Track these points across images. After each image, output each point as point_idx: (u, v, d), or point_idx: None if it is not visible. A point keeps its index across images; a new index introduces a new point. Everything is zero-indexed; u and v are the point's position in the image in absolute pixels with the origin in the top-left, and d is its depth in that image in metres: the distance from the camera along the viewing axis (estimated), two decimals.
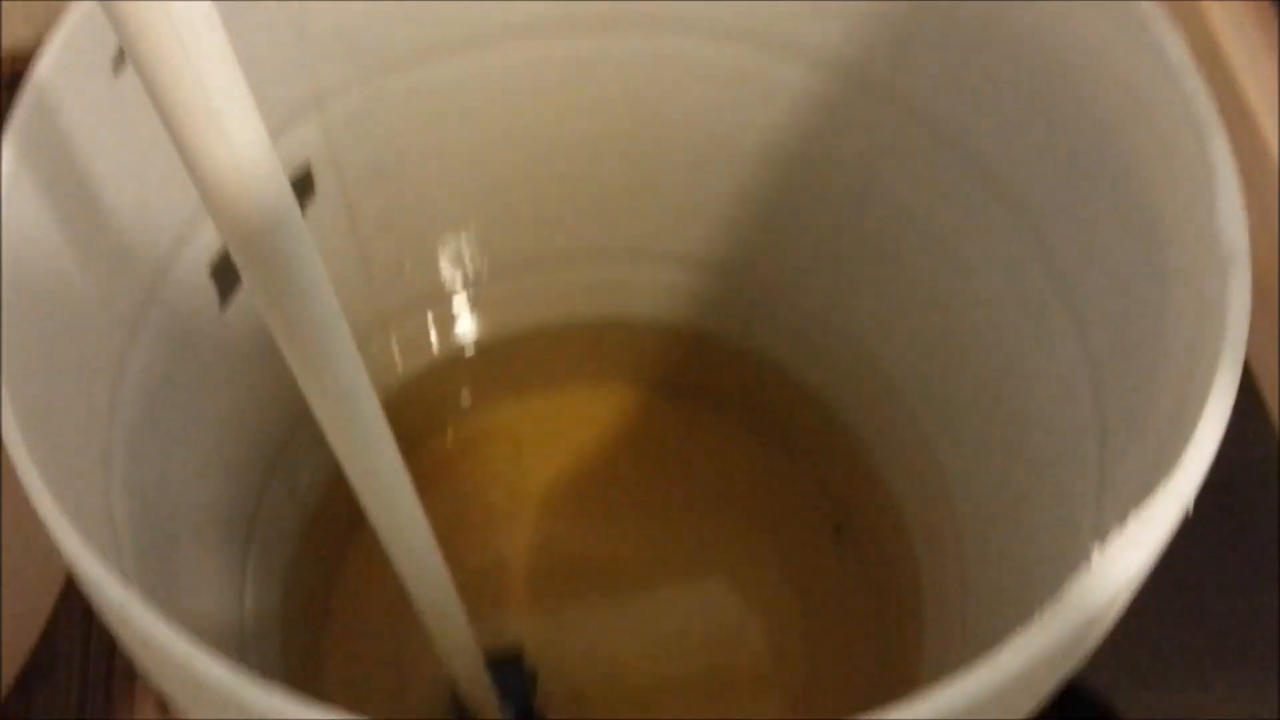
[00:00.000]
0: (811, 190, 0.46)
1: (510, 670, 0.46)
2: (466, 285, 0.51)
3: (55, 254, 0.30)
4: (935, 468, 0.46)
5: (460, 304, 0.51)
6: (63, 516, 0.23)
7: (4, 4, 0.52)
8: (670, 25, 0.43)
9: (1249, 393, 0.33)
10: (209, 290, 0.38)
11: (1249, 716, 0.47)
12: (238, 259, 0.23)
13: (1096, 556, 0.23)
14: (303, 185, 0.42)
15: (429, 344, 0.52)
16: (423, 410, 0.53)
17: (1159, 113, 0.30)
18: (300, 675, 0.46)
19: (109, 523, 0.31)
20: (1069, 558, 0.33)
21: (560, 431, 0.55)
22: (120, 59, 0.31)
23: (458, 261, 0.49)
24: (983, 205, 0.40)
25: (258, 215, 0.21)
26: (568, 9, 0.42)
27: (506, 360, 0.54)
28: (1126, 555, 0.23)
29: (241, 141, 0.20)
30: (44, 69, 0.30)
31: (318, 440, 0.27)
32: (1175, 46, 0.30)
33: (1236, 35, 0.35)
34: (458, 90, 0.43)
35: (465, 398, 0.55)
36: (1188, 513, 0.24)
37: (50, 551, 0.24)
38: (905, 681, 0.47)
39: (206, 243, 0.37)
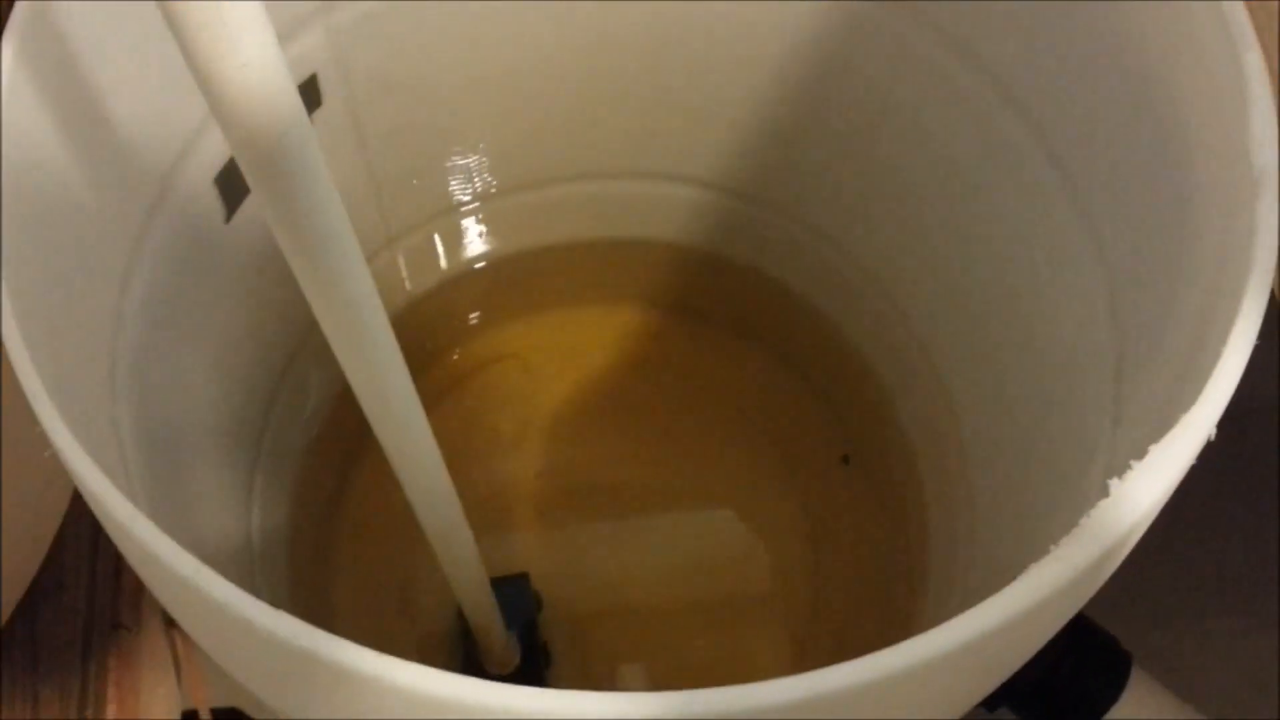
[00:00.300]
0: (827, 107, 0.45)
1: (516, 593, 0.46)
2: (476, 201, 0.50)
3: (57, 163, 0.30)
4: (945, 396, 0.46)
5: (469, 221, 0.51)
6: (68, 431, 0.23)
7: None
8: None
9: (1271, 320, 0.33)
10: (215, 202, 0.37)
11: (1251, 654, 0.47)
12: (245, 169, 0.22)
13: (1115, 485, 0.23)
14: (309, 96, 0.41)
15: (438, 261, 0.51)
16: (431, 328, 0.53)
17: (1189, 26, 0.29)
18: (307, 592, 0.46)
19: (115, 437, 0.31)
20: (1082, 487, 0.33)
21: (569, 351, 0.54)
22: None
23: (467, 177, 0.49)
24: (1000, 123, 0.39)
25: (267, 125, 0.21)
26: None
27: (516, 279, 0.53)
28: (1145, 485, 0.23)
29: (251, 49, 0.20)
30: None
31: (325, 354, 0.27)
32: None
33: None
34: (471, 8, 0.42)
35: (474, 316, 0.54)
36: (1210, 439, 0.24)
37: (55, 469, 0.24)
38: (912, 608, 0.47)
39: (213, 154, 0.36)
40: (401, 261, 0.50)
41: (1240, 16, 0.27)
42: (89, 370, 0.30)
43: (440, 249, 0.51)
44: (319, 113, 0.41)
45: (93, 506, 0.24)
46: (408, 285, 0.51)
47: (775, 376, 0.54)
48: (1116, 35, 0.32)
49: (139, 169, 0.34)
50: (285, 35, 0.39)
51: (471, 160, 0.48)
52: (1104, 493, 0.23)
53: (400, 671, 0.20)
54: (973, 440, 0.44)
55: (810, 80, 0.44)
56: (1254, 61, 0.26)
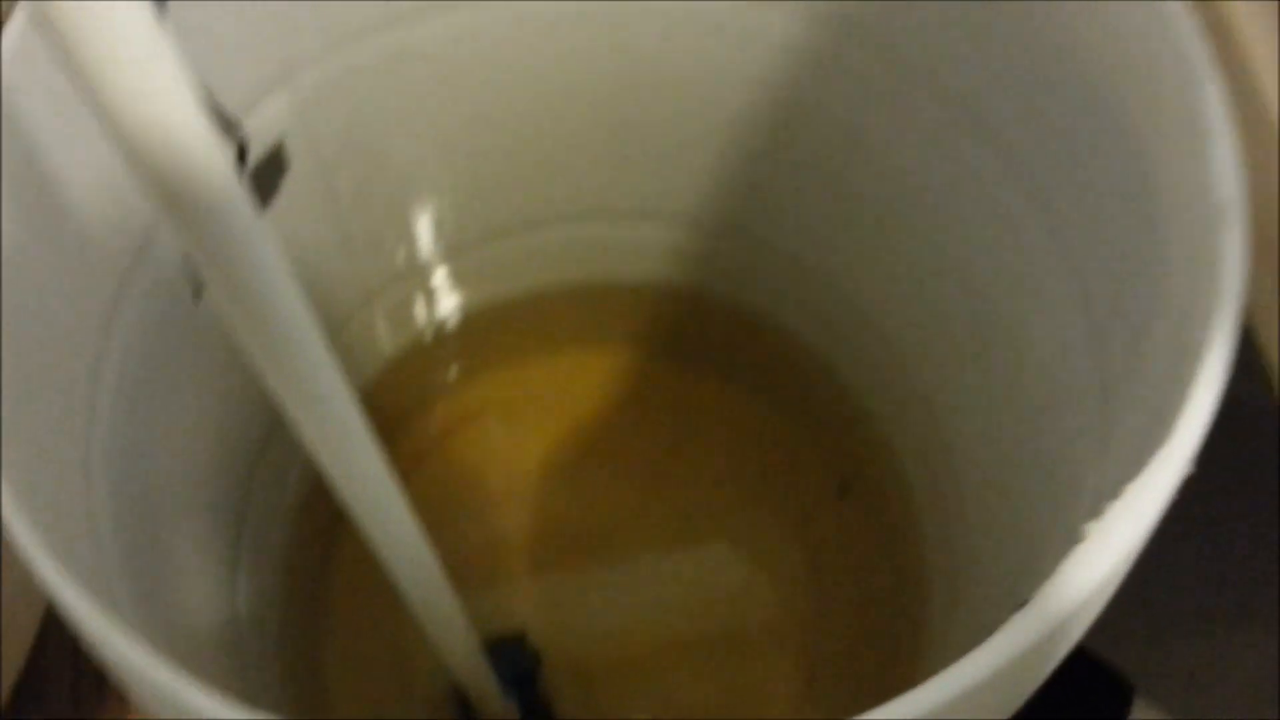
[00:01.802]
0: (799, 142, 0.45)
1: (512, 655, 0.45)
2: (451, 254, 0.50)
3: (18, 251, 0.29)
4: (935, 426, 0.45)
5: (446, 274, 0.50)
6: (41, 548, 0.23)
7: None
8: None
9: (1249, 346, 0.33)
10: (183, 281, 0.37)
11: (1254, 670, 0.47)
12: (180, 243, 0.21)
13: (1092, 528, 0.22)
14: (276, 161, 0.41)
15: (416, 317, 0.51)
16: (413, 386, 0.52)
17: (1148, 59, 0.29)
18: (298, 667, 0.45)
19: (91, 531, 0.30)
20: (1071, 521, 0.32)
21: (556, 400, 0.54)
22: None
23: (440, 230, 0.48)
24: (973, 154, 0.39)
25: (191, 191, 0.20)
26: None
27: (497, 329, 0.53)
28: (1121, 528, 0.23)
29: (168, 107, 0.19)
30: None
31: None
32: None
33: None
34: (432, 52, 0.42)
35: (456, 370, 0.54)
36: (1188, 475, 0.24)
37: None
38: (916, 639, 0.46)
39: None
40: (378, 321, 0.49)
41: (1196, 47, 0.27)
42: (61, 467, 0.30)
43: (416, 304, 0.51)
44: (288, 177, 0.41)
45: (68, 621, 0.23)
46: (386, 344, 0.51)
47: (765, 411, 0.54)
48: (1084, 74, 0.32)
49: (104, 252, 0.34)
50: (251, 102, 0.39)
51: (442, 213, 0.48)
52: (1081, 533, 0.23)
53: None
54: (965, 468, 0.44)
55: (778, 118, 0.44)
56: (1211, 94, 0.26)
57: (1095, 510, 0.29)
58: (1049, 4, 0.33)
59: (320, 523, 0.48)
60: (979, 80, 0.37)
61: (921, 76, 0.39)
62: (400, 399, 0.52)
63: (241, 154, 0.39)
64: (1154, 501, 0.23)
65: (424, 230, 0.48)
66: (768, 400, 0.54)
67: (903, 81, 0.40)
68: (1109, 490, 0.30)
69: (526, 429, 0.53)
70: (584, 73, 0.45)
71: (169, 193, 0.20)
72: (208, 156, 0.20)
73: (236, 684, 0.39)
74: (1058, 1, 0.32)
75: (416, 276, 0.50)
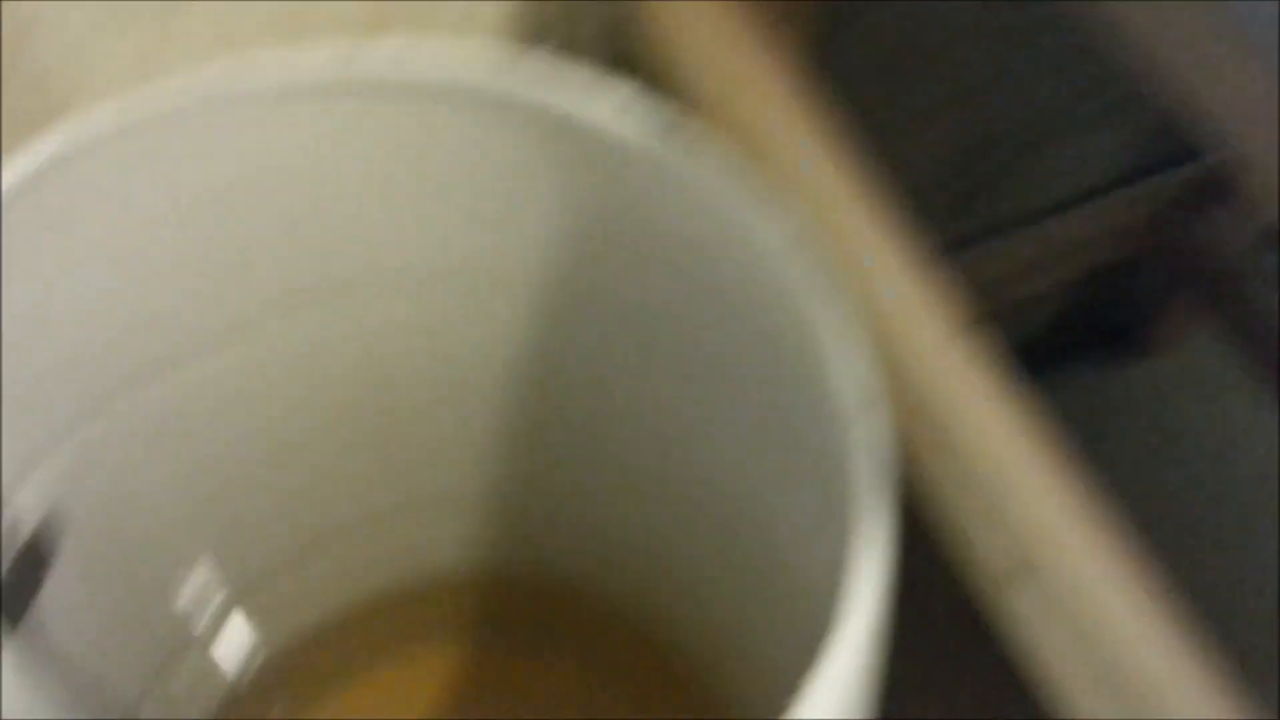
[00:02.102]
0: (548, 407, 0.47)
1: None
2: (244, 595, 0.50)
3: None
4: (748, 659, 0.47)
5: (243, 618, 0.51)
6: None
7: None
8: (372, 284, 0.43)
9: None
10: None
11: None
12: None
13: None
14: (46, 541, 0.41)
15: (221, 669, 0.51)
16: None
17: (776, 296, 0.33)
18: None
19: None
20: None
21: (390, 712, 0.54)
22: None
23: (228, 576, 0.49)
24: (708, 386, 0.42)
25: None
26: (293, 286, 0.43)
27: (315, 656, 0.53)
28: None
29: None
30: None
31: None
32: (767, 234, 0.32)
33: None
34: (188, 400, 0.43)
35: (281, 710, 0.53)
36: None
37: None
38: None
39: None
40: (180, 683, 0.49)
41: (803, 281, 0.31)
42: None
43: (219, 656, 0.50)
44: (58, 561, 0.41)
45: None
46: (196, 705, 0.50)
47: (588, 677, 0.54)
48: (747, 312, 0.36)
49: None
50: (20, 473, 0.39)
51: (230, 559, 0.48)
52: None
53: None
54: (771, 683, 0.45)
55: (527, 393, 0.47)
56: (821, 319, 0.30)
57: None
58: (710, 265, 0.37)
59: None
60: (687, 322, 0.40)
61: (636, 321, 0.42)
62: None
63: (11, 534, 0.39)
64: (827, 693, 0.24)
65: (210, 582, 0.48)
66: (591, 662, 0.54)
67: (621, 328, 0.43)
68: None
69: None
70: (342, 389, 0.46)
71: None
72: None
73: None
74: (710, 257, 0.36)
75: (212, 628, 0.50)
